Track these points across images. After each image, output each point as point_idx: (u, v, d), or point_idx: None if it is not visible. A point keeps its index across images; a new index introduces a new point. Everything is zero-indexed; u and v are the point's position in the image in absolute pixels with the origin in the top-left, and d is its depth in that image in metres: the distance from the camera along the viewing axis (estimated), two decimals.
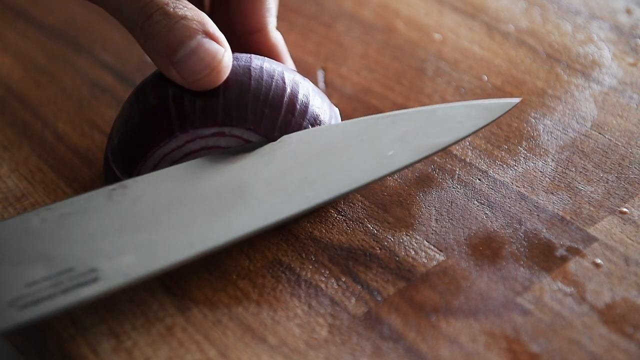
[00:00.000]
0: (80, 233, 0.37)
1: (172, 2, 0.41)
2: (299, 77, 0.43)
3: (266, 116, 0.41)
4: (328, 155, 0.41)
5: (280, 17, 0.56)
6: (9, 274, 0.36)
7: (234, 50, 0.43)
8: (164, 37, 0.40)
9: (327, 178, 0.40)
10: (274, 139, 0.41)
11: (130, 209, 0.39)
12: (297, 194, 0.39)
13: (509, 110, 0.42)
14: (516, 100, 0.42)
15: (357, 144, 0.41)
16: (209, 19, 0.41)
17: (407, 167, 0.40)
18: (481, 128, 0.41)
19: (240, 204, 0.39)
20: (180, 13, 0.40)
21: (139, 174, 0.42)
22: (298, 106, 0.41)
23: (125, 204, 0.39)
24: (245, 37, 0.47)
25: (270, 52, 0.47)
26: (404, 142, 0.40)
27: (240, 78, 0.41)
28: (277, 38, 0.47)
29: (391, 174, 0.41)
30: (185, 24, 0.40)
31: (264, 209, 0.39)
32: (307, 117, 0.42)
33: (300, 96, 0.42)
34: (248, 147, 0.41)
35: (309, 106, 0.42)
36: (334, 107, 0.45)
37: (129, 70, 0.55)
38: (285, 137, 0.41)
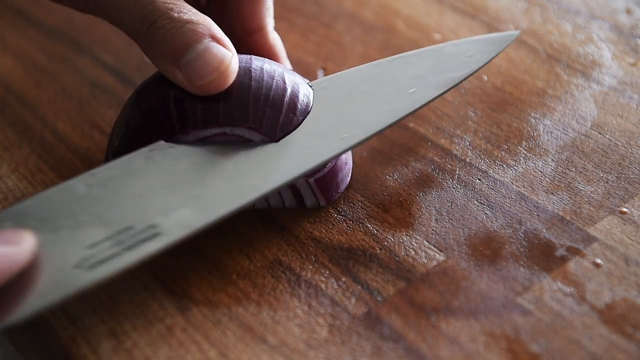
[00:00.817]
0: (130, 193, 0.38)
1: (176, 7, 0.40)
2: (299, 78, 0.43)
3: (267, 115, 0.41)
4: (354, 98, 0.43)
5: (280, 17, 0.56)
6: (67, 238, 0.36)
7: None
8: (170, 41, 0.40)
9: (358, 119, 0.42)
10: (276, 138, 0.41)
11: (174, 166, 0.39)
12: (334, 137, 0.41)
13: (512, 41, 0.45)
14: (516, 32, 0.46)
15: (378, 86, 0.43)
16: (214, 23, 0.41)
17: (430, 102, 0.42)
18: (490, 60, 0.44)
19: (283, 152, 0.40)
20: (185, 17, 0.40)
21: None
22: (299, 105, 0.41)
23: (168, 162, 0.39)
24: (244, 37, 0.47)
25: (268, 53, 0.47)
26: (422, 79, 0.43)
27: (241, 79, 0.41)
28: (275, 39, 0.47)
29: (417, 110, 0.43)
30: (191, 28, 0.40)
31: (306, 154, 0.40)
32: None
33: (301, 96, 0.42)
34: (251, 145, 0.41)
35: (310, 105, 0.42)
36: None
37: (129, 70, 0.55)
38: (311, 82, 0.44)
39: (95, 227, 0.36)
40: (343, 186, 0.44)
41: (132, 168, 0.39)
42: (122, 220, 0.37)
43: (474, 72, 0.44)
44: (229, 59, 0.40)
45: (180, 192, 0.38)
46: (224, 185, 0.38)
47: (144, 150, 0.40)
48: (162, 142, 0.40)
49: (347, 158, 0.45)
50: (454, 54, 0.44)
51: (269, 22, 0.47)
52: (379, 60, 0.44)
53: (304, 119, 0.41)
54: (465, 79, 0.43)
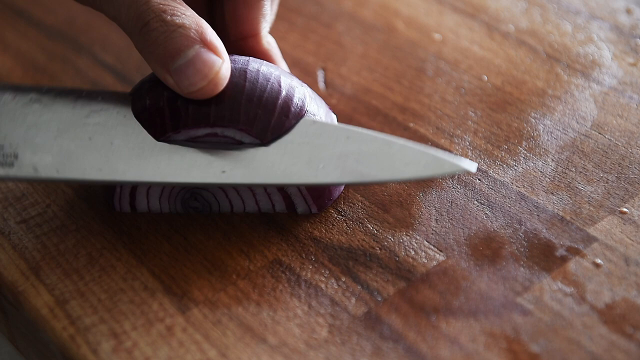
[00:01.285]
0: (31, 122, 0.41)
1: (170, 9, 0.40)
2: (296, 82, 0.43)
3: (259, 117, 0.40)
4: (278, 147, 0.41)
5: (280, 17, 0.56)
6: None
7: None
8: (162, 46, 0.40)
9: (257, 170, 0.41)
10: (267, 141, 0.40)
11: (84, 117, 0.42)
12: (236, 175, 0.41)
13: (459, 172, 0.40)
14: (473, 167, 0.40)
15: (305, 146, 0.41)
16: (207, 25, 0.41)
17: (326, 184, 0.42)
18: (419, 179, 0.42)
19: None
20: (177, 21, 0.40)
21: None
22: (292, 109, 0.41)
23: (76, 111, 0.42)
24: (238, 42, 0.46)
25: (263, 57, 0.46)
26: (341, 160, 0.40)
27: (236, 80, 0.41)
28: (270, 43, 0.47)
29: (310, 185, 0.42)
30: (182, 33, 0.40)
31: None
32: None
33: (295, 99, 0.41)
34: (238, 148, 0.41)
35: (304, 109, 0.42)
36: (332, 113, 0.45)
37: (129, 70, 0.55)
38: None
39: None
40: (336, 193, 0.44)
41: (40, 101, 0.42)
42: (2, 137, 0.40)
43: (391, 181, 0.41)
44: (219, 65, 0.40)
45: (62, 143, 0.40)
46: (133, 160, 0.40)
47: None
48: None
49: None
50: (393, 155, 0.40)
51: (264, 27, 0.47)
52: (337, 125, 0.42)
53: (297, 122, 0.41)
54: (376, 183, 0.42)
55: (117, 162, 0.40)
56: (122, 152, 0.40)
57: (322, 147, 0.40)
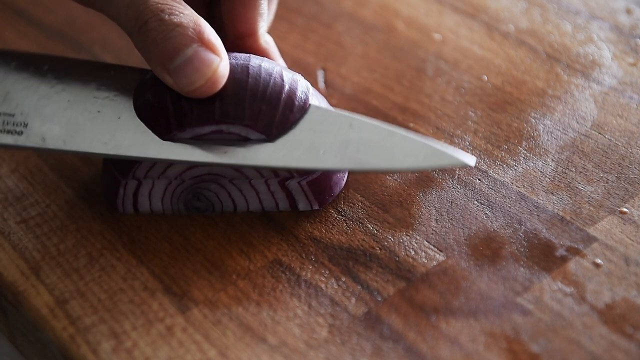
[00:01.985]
0: (44, 92, 0.42)
1: (168, 8, 0.40)
2: (298, 76, 0.43)
3: (263, 113, 0.41)
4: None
5: (280, 17, 0.56)
6: None
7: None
8: (160, 45, 0.40)
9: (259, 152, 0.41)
10: (272, 136, 0.41)
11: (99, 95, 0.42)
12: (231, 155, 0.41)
13: (457, 166, 0.40)
14: (472, 161, 0.40)
15: (308, 132, 0.41)
16: (206, 23, 0.41)
17: (325, 170, 0.41)
18: (417, 170, 0.42)
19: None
20: (175, 20, 0.40)
21: (135, 174, 0.42)
22: (296, 102, 0.41)
23: (90, 87, 0.42)
24: (236, 41, 0.46)
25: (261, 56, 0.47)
26: (342, 146, 0.40)
27: (238, 76, 0.41)
28: (268, 42, 0.47)
29: (312, 170, 0.42)
30: (180, 32, 0.40)
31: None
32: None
33: (298, 93, 0.42)
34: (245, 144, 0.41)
35: (308, 103, 0.42)
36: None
37: None
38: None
39: None
40: (337, 189, 0.44)
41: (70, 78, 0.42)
42: (14, 106, 0.41)
43: (389, 171, 0.41)
44: (217, 64, 0.40)
45: (70, 114, 0.41)
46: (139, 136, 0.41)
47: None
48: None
49: None
50: (393, 145, 0.40)
51: (261, 26, 0.47)
52: (340, 112, 0.42)
53: (301, 117, 0.41)
54: (375, 171, 0.41)
55: (122, 137, 0.40)
56: (129, 128, 0.40)
57: (324, 133, 0.41)
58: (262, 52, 0.47)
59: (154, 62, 0.40)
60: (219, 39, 0.41)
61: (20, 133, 0.40)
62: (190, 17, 0.40)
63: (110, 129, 0.40)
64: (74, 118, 0.41)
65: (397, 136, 0.40)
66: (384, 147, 0.40)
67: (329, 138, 0.40)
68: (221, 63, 0.40)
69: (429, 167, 0.40)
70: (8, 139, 0.40)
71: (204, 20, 0.41)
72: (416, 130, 0.48)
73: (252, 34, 0.46)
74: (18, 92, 0.41)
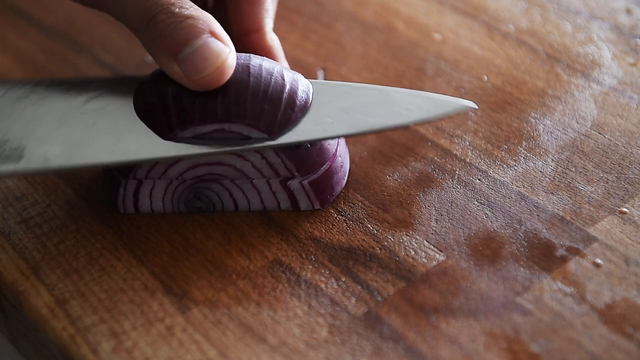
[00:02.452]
0: (30, 116, 0.41)
1: (177, 2, 0.41)
2: (298, 75, 0.43)
3: (265, 112, 0.41)
4: None
5: (280, 17, 0.56)
6: None
7: None
8: (169, 36, 0.40)
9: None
10: (274, 135, 0.41)
11: (77, 106, 0.42)
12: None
13: (460, 111, 0.41)
14: (472, 105, 0.41)
15: (310, 124, 0.42)
16: (214, 19, 0.41)
17: (336, 137, 0.41)
18: (424, 121, 0.42)
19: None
20: (185, 13, 0.40)
21: (135, 174, 0.42)
22: (298, 102, 0.41)
23: (75, 100, 0.42)
24: (242, 37, 0.47)
25: (266, 54, 0.47)
26: (346, 113, 0.41)
27: (239, 75, 0.41)
28: (273, 40, 0.47)
29: (319, 140, 0.42)
30: (191, 23, 0.40)
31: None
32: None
33: (300, 92, 0.42)
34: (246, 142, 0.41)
35: (309, 102, 0.42)
36: None
37: (129, 70, 0.55)
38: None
39: None
40: (338, 189, 0.44)
41: (42, 95, 0.42)
42: (3, 133, 0.40)
43: (398, 127, 0.41)
44: (226, 54, 0.40)
45: (66, 131, 0.40)
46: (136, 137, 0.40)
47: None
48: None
49: (343, 161, 0.44)
50: (393, 102, 0.41)
51: (267, 22, 0.47)
52: (334, 82, 0.43)
53: (302, 116, 0.41)
54: (384, 130, 0.41)
55: (128, 143, 0.40)
56: (131, 132, 0.40)
57: (325, 103, 0.42)
58: (267, 49, 0.47)
59: (162, 53, 0.40)
60: (226, 33, 0.41)
61: (19, 158, 0.40)
62: (199, 11, 0.41)
63: (112, 137, 0.40)
64: (70, 134, 0.40)
65: (393, 93, 0.41)
66: (386, 106, 0.41)
67: (330, 106, 0.41)
68: (230, 54, 0.40)
69: (434, 116, 0.41)
70: (9, 166, 0.39)
71: (212, 16, 0.41)
72: (416, 130, 0.48)
73: (259, 29, 0.47)
74: (2, 120, 0.41)
